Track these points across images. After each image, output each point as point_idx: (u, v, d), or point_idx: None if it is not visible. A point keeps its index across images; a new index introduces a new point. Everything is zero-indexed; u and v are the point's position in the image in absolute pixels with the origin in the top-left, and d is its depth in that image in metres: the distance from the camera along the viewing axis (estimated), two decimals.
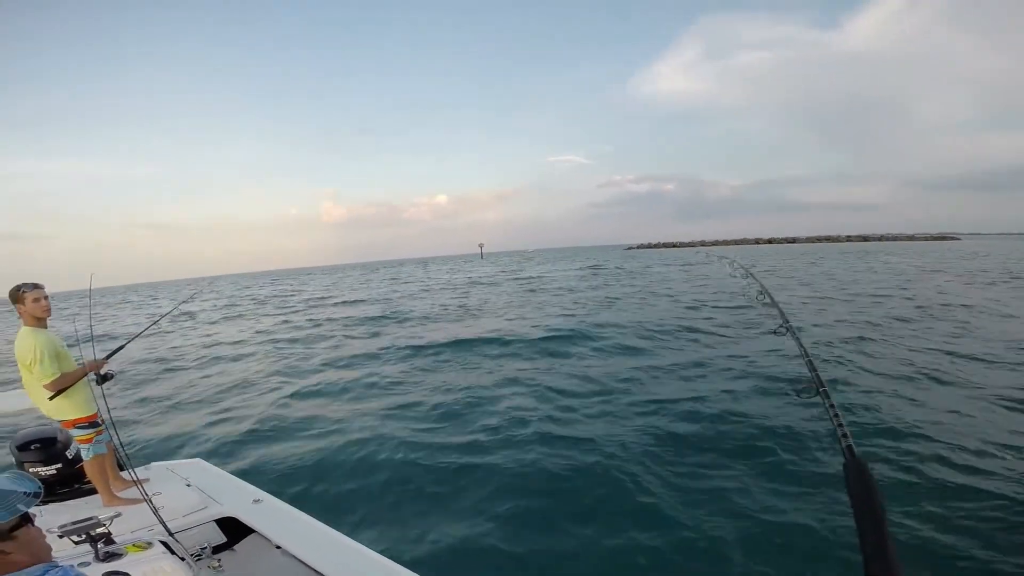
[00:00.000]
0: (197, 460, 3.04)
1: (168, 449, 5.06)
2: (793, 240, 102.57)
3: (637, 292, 16.79)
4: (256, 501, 2.40)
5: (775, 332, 1.56)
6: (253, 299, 26.66)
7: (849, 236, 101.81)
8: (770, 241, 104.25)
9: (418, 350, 8.79)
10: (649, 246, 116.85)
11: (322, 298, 23.32)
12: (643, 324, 10.11)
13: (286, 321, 15.40)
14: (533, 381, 6.32)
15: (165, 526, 2.01)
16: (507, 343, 8.87)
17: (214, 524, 2.34)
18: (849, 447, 0.83)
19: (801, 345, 1.36)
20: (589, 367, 7.07)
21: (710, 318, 10.70)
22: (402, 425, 5.14)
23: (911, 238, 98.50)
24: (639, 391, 5.87)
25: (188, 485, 2.60)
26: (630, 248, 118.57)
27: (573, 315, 11.92)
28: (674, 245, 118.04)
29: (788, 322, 1.51)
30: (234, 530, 2.35)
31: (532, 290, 19.63)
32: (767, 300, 1.78)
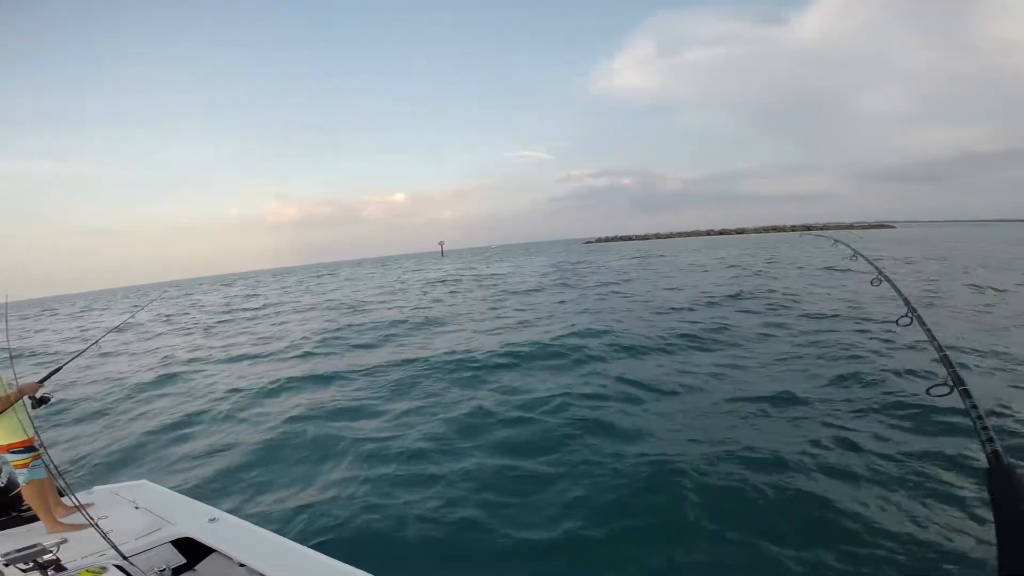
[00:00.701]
0: (143, 482, 2.94)
1: (109, 473, 4.79)
2: (742, 231, 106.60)
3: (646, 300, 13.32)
4: (212, 520, 2.34)
5: (897, 322, 1.41)
6: (199, 307, 25.26)
7: (794, 226, 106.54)
8: (721, 232, 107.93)
9: (370, 372, 7.47)
10: (608, 239, 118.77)
11: (264, 305, 21.68)
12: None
13: (219, 325, 14.83)
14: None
15: (118, 550, 1.95)
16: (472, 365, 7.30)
17: (170, 545, 2.27)
18: (995, 452, 0.74)
19: (933, 337, 1.22)
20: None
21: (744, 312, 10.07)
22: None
23: (851, 227, 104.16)
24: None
25: (136, 507, 2.52)
26: (589, 242, 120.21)
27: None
28: (631, 238, 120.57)
29: (915, 310, 1.37)
30: (192, 551, 2.30)
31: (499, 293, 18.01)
32: (881, 281, 1.59)
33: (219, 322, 16.94)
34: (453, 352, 8.27)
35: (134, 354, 11.90)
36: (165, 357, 10.97)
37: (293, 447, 4.94)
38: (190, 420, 6.24)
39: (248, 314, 18.58)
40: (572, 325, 9.59)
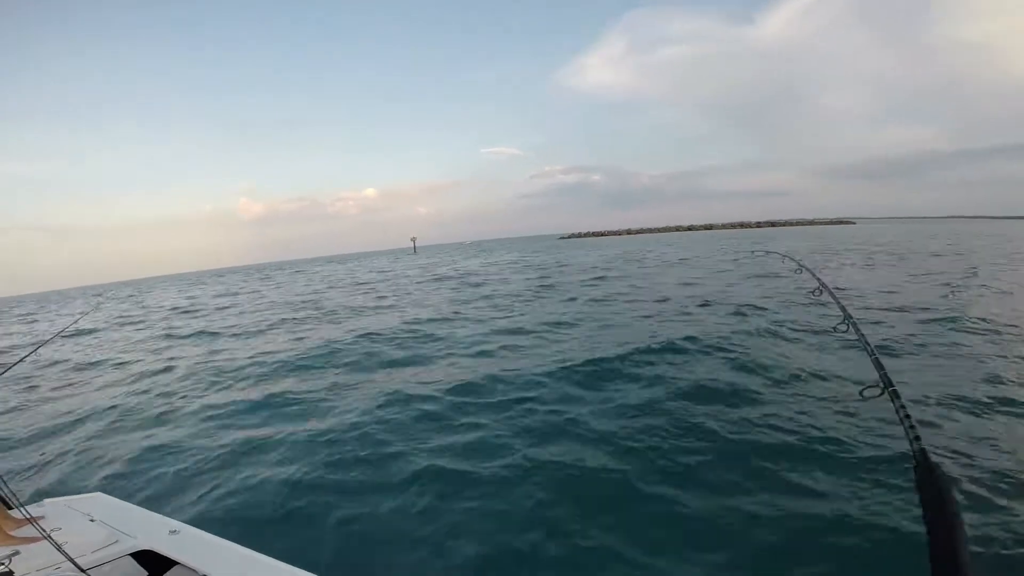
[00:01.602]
0: (97, 494, 2.81)
1: (59, 485, 4.46)
2: (710, 227, 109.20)
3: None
4: (173, 532, 2.25)
5: (835, 329, 1.48)
6: (146, 309, 23.37)
7: (759, 222, 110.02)
8: (690, 228, 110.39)
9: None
10: (580, 235, 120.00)
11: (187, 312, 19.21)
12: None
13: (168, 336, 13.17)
14: None
15: (74, 562, 1.84)
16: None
17: (130, 558, 2.19)
18: (922, 450, 0.78)
19: (867, 342, 1.28)
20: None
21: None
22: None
23: (812, 222, 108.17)
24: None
25: (92, 520, 2.40)
26: (563, 237, 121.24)
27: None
28: (603, 233, 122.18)
29: (850, 317, 1.44)
30: (153, 564, 2.21)
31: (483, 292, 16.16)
32: (822, 295, 1.71)
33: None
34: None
35: (89, 358, 11.05)
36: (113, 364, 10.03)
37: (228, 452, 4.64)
38: (135, 429, 5.79)
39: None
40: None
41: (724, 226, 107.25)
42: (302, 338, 10.25)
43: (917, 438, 0.81)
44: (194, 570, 2.05)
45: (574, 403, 5.10)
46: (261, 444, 4.76)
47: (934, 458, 0.76)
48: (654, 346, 6.79)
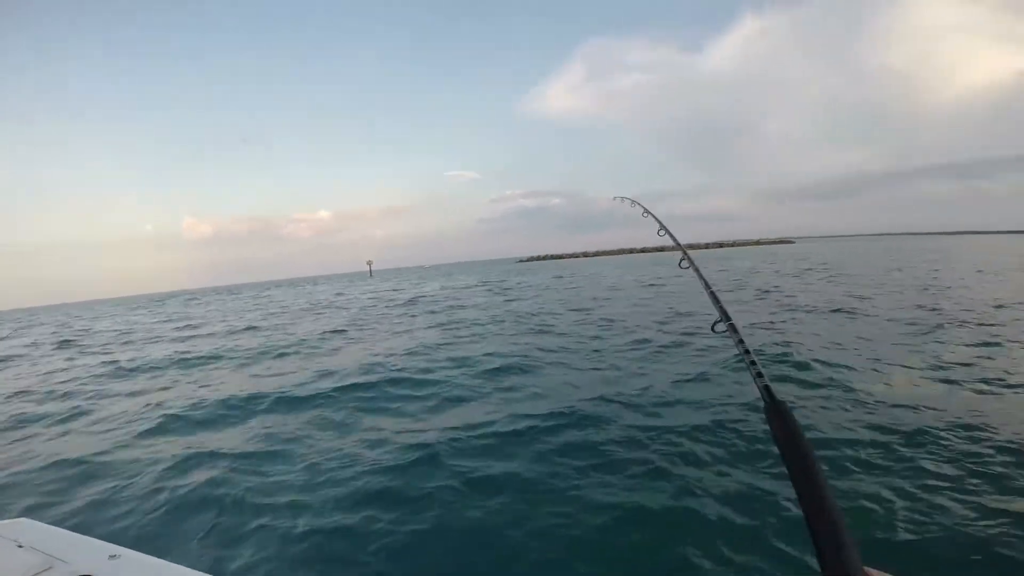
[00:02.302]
0: (23, 520, 2.54)
1: None
2: (663, 248, 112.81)
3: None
4: (112, 556, 2.09)
5: (679, 264, 1.64)
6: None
7: (708, 243, 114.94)
8: (643, 250, 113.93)
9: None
10: (539, 258, 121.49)
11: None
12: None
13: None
14: None
15: None
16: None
17: None
18: (766, 387, 0.78)
19: (702, 276, 1.30)
20: None
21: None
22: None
23: (758, 243, 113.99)
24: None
25: (20, 546, 2.21)
26: (521, 260, 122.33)
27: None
28: (560, 256, 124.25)
29: (691, 259, 1.55)
30: None
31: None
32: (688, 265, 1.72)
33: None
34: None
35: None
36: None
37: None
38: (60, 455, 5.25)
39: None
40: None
41: (673, 248, 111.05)
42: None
43: (760, 375, 0.82)
44: None
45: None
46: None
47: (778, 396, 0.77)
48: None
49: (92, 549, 2.22)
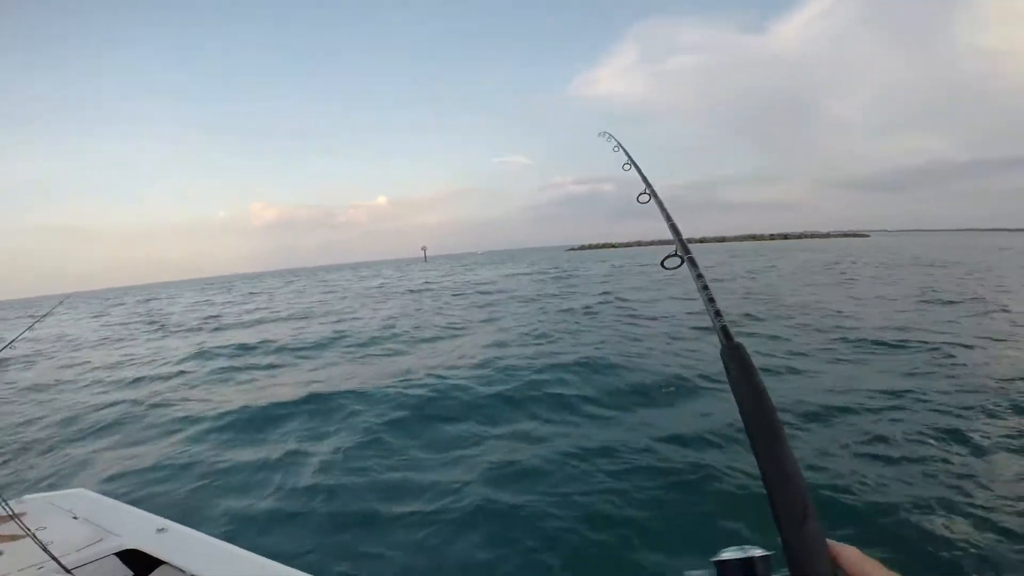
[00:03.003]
0: (80, 490, 2.71)
1: (40, 483, 4.32)
2: (723, 239, 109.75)
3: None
4: (160, 530, 2.18)
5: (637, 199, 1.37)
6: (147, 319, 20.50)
7: (772, 234, 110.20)
8: (702, 240, 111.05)
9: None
10: (590, 247, 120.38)
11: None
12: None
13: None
14: None
15: (58, 561, 1.81)
16: None
17: (115, 558, 2.12)
18: (724, 328, 0.77)
19: (667, 213, 1.19)
20: None
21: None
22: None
23: (827, 235, 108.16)
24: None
25: (75, 518, 2.33)
26: (571, 249, 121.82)
27: None
28: (612, 245, 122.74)
29: (654, 191, 1.35)
30: (139, 563, 2.12)
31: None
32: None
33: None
34: None
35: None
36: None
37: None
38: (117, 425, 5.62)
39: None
40: None
41: (736, 238, 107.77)
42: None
43: (718, 313, 0.80)
44: (182, 570, 1.97)
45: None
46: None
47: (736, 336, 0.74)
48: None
49: (142, 522, 2.29)
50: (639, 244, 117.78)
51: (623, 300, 13.05)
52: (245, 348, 9.93)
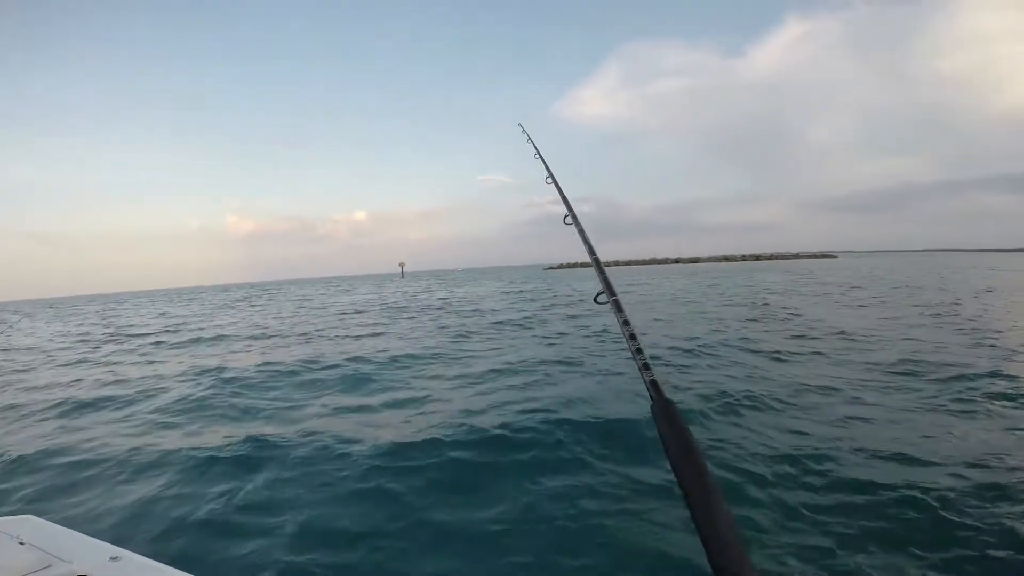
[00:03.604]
0: (28, 516, 2.48)
1: None
2: (696, 260, 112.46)
3: None
4: (114, 558, 2.04)
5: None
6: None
7: (744, 256, 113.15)
8: (676, 261, 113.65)
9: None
10: (568, 265, 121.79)
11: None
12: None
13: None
14: None
15: None
16: None
17: None
18: (653, 382, 0.74)
19: (602, 270, 1.16)
20: None
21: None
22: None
23: (797, 256, 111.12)
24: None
25: (21, 543, 2.17)
26: (549, 268, 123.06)
27: None
28: (589, 265, 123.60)
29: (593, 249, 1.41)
30: None
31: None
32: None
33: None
34: None
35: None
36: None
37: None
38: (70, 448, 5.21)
39: None
40: None
41: (710, 259, 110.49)
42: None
43: (646, 366, 0.76)
44: None
45: None
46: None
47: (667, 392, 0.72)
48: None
49: (94, 550, 2.15)
50: (616, 264, 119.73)
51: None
52: None
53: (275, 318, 19.33)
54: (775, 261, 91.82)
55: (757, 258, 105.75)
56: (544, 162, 2.03)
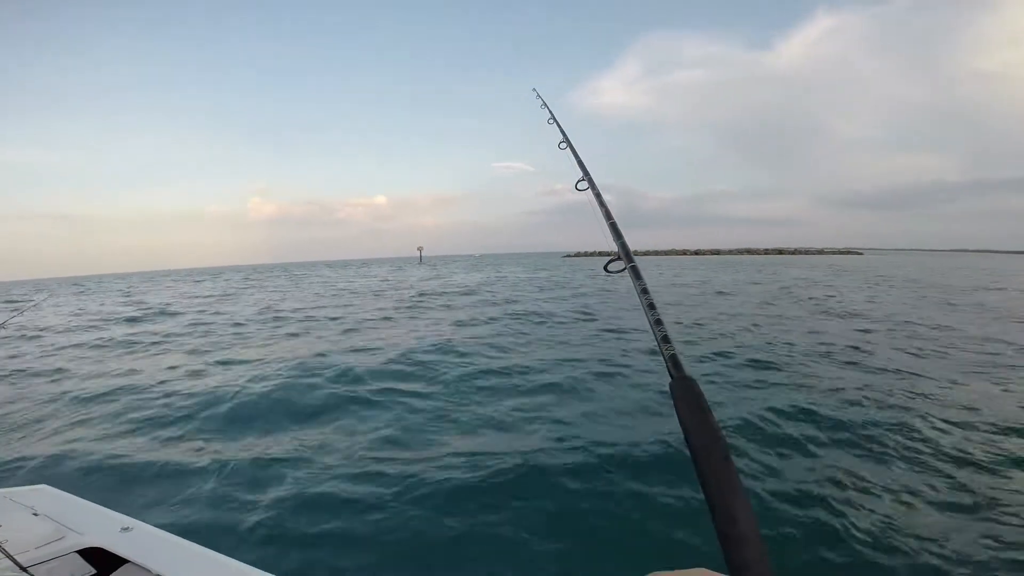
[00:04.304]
0: (42, 486, 2.56)
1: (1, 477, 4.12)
2: (717, 252, 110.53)
3: None
4: (125, 529, 2.10)
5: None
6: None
7: (767, 249, 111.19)
8: (696, 252, 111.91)
9: None
10: (586, 254, 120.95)
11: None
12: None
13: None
14: None
15: (13, 559, 1.72)
16: None
17: (76, 556, 2.01)
18: (673, 357, 0.70)
19: (603, 203, 1.18)
20: None
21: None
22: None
23: (821, 252, 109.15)
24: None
25: (35, 514, 2.22)
26: (568, 255, 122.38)
27: None
28: (607, 254, 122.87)
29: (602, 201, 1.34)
30: (102, 562, 2.03)
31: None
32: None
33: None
34: None
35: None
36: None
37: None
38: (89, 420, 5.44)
39: None
40: None
41: (732, 251, 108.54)
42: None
43: (666, 339, 0.73)
44: (147, 569, 1.91)
45: None
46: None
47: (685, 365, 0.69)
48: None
49: (106, 520, 2.19)
50: (635, 253, 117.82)
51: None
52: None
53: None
54: (798, 256, 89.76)
55: (780, 252, 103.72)
56: (559, 125, 1.94)
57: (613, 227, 1.12)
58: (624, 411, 5.07)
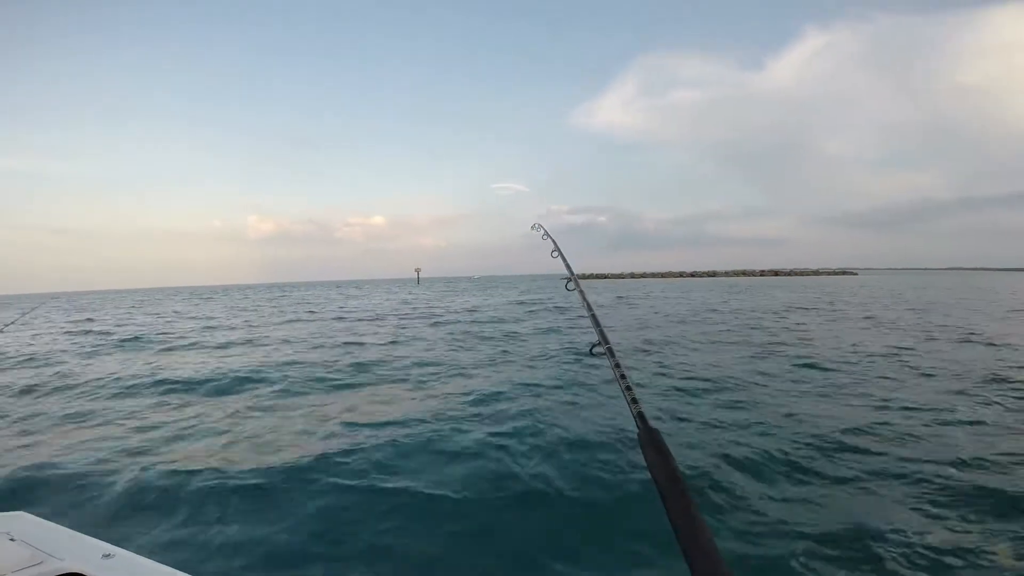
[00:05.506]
0: (20, 513, 2.50)
1: None
2: (713, 273, 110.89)
3: None
4: (106, 556, 2.05)
5: (565, 286, 1.69)
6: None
7: (763, 271, 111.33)
8: (693, 274, 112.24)
9: None
10: (584, 276, 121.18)
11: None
12: None
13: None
14: None
15: None
16: None
17: None
18: (640, 414, 0.80)
19: (585, 299, 1.33)
20: None
21: None
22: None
23: (816, 272, 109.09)
24: None
25: (12, 540, 2.18)
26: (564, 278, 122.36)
27: None
28: (606, 276, 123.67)
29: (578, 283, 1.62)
30: None
31: None
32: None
33: None
34: None
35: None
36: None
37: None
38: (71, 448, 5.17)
39: None
40: None
41: (727, 273, 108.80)
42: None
43: (635, 400, 0.82)
44: None
45: None
46: None
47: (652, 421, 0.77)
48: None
49: (86, 547, 2.15)
50: (632, 276, 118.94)
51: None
52: None
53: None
54: (794, 277, 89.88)
55: (776, 273, 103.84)
56: (563, 257, 2.15)
57: (593, 318, 1.25)
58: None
